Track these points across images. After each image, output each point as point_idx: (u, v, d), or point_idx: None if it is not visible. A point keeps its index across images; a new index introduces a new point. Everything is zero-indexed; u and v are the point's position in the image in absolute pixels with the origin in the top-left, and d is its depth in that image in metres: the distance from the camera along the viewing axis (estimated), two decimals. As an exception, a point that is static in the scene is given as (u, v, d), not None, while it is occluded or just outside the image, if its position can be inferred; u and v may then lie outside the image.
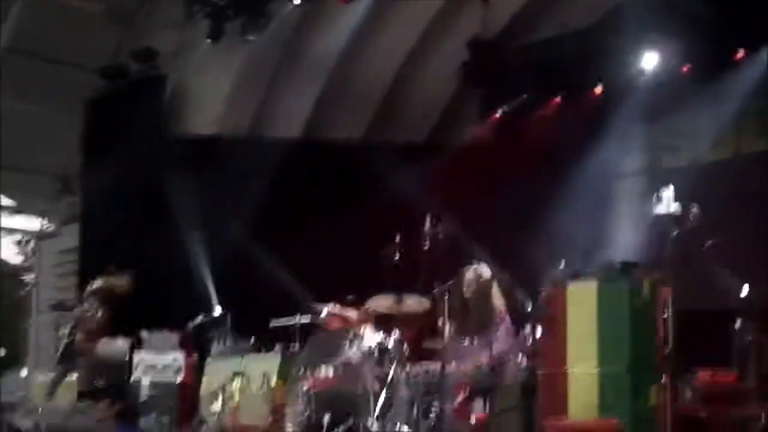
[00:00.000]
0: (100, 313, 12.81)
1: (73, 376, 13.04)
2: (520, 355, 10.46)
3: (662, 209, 9.27)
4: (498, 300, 10.00)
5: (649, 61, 14.67)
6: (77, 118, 20.83)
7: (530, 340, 10.95)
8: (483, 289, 9.93)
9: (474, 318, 9.98)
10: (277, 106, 19.34)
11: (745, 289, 12.05)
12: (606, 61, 14.91)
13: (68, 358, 12.82)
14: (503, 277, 10.23)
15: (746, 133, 14.28)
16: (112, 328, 13.45)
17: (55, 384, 13.01)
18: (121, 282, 12.81)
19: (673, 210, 9.24)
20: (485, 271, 10.08)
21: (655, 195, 9.40)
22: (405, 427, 9.53)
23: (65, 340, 12.81)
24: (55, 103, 20.48)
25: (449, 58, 17.82)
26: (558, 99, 16.22)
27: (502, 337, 9.79)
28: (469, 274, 10.03)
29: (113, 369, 13.83)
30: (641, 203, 14.71)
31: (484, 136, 17.10)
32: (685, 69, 14.36)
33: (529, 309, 9.59)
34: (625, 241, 15.30)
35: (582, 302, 9.15)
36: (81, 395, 10.71)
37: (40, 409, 11.17)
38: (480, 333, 9.88)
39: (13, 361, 30.69)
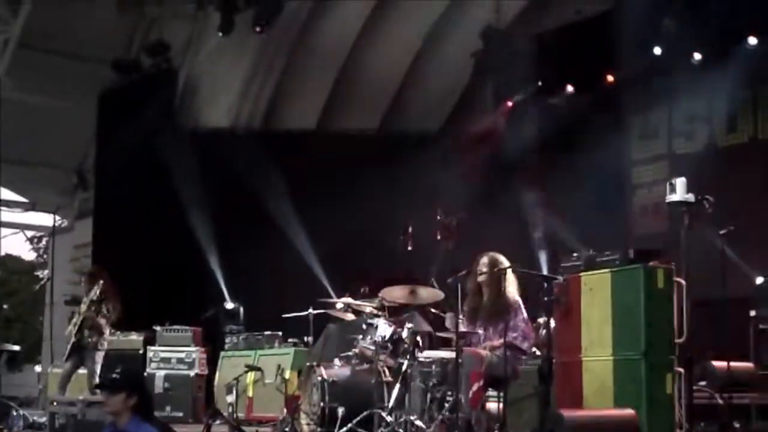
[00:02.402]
0: (106, 309, 12.81)
1: (84, 370, 13.07)
2: (535, 344, 10.43)
3: (676, 197, 9.18)
4: (512, 288, 9.94)
5: (662, 47, 14.55)
6: (91, 112, 20.85)
7: (545, 329, 10.92)
8: (497, 277, 9.86)
9: (488, 306, 9.92)
10: (289, 99, 19.32)
11: (761, 278, 12.04)
12: (619, 48, 14.80)
13: (78, 352, 12.83)
14: (518, 266, 10.16)
15: (762, 118, 14.18)
16: (124, 323, 13.46)
17: (66, 378, 13.02)
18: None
19: (687, 198, 9.15)
20: (500, 259, 10.01)
21: (668, 183, 9.31)
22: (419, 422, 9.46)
23: (74, 337, 12.79)
24: (69, 97, 20.47)
25: (462, 47, 17.77)
26: (571, 87, 16.12)
27: (516, 325, 9.72)
28: (484, 261, 9.97)
29: (127, 362, 13.85)
30: (656, 191, 14.64)
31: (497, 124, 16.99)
32: (698, 55, 14.28)
33: (544, 297, 9.53)
34: (639, 229, 15.26)
35: (596, 290, 9.10)
36: (96, 388, 10.68)
37: (54, 402, 11.14)
38: (494, 321, 9.82)
39: (29, 356, 30.89)
